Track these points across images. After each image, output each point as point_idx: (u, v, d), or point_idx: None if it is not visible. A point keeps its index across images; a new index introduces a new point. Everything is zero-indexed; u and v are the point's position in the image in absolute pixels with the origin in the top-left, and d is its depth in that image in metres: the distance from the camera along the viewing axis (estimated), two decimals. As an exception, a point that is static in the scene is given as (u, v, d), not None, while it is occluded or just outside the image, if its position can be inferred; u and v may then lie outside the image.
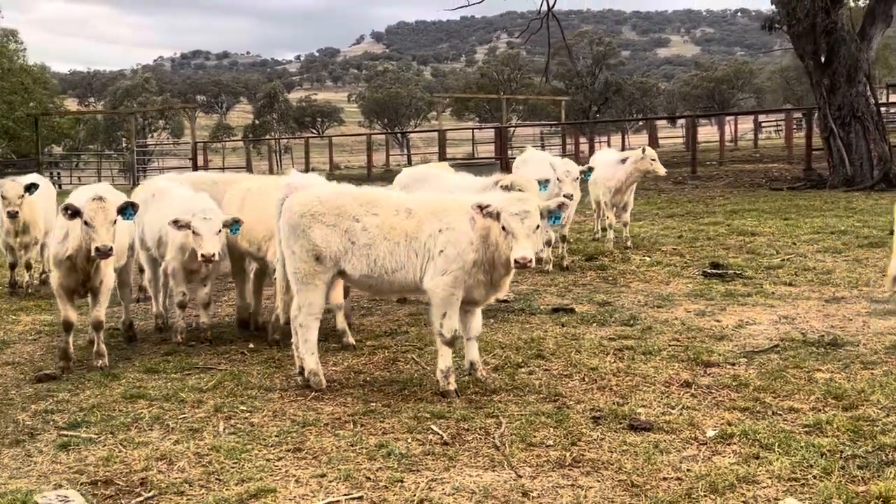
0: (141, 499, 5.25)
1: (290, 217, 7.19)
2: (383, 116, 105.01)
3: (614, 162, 13.54)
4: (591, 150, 40.11)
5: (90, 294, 8.33)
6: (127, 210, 7.92)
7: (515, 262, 6.42)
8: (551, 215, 6.77)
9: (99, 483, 5.53)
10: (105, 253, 7.59)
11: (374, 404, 6.85)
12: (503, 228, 6.56)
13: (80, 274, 8.11)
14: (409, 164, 48.55)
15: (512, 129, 40.87)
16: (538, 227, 6.60)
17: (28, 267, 12.75)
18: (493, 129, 61.14)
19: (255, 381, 7.62)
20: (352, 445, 5.97)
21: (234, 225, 8.75)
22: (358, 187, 7.55)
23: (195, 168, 38.28)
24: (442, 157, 41.81)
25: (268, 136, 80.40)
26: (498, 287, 7.05)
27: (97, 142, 72.49)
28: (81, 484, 5.53)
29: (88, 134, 52.33)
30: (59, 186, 40.42)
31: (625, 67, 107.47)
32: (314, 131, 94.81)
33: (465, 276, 6.86)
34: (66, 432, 6.48)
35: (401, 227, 6.98)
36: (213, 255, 8.47)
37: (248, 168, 42.09)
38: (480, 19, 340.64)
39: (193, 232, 8.50)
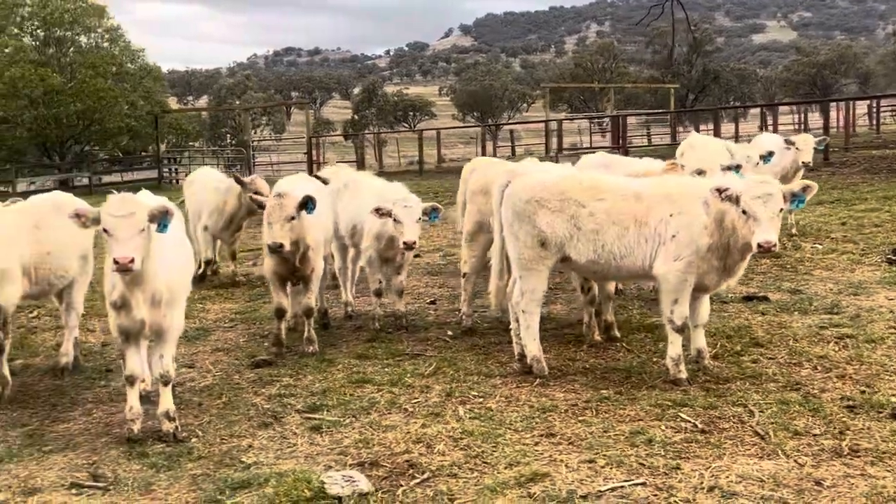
0: (417, 481, 5.31)
1: (515, 203, 7.18)
2: (477, 109, 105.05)
3: (781, 148, 13.18)
4: (675, 138, 39.32)
5: (301, 282, 8.50)
6: (308, 205, 8.01)
7: (759, 246, 6.28)
8: (795, 199, 6.59)
9: (366, 465, 5.63)
10: (274, 248, 7.81)
11: (604, 392, 6.80)
12: (743, 212, 6.43)
13: (290, 263, 8.28)
14: (513, 155, 48.24)
15: (621, 118, 40.12)
16: (781, 210, 6.45)
17: (233, 257, 13.04)
18: (583, 119, 60.53)
19: (473, 368, 7.65)
20: (605, 432, 5.94)
21: (432, 213, 8.80)
22: (581, 173, 7.51)
23: (310, 163, 38.81)
24: (548, 147, 41.59)
25: (366, 131, 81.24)
26: (731, 273, 6.91)
27: (202, 139, 74.26)
28: (349, 465, 5.63)
29: (193, 131, 53.60)
30: (177, 182, 41.69)
31: (720, 54, 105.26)
32: (405, 125, 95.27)
33: (698, 261, 6.75)
34: (308, 415, 6.62)
35: (629, 212, 6.91)
36: (415, 242, 8.54)
37: (360, 163, 42.50)
38: (570, 9, 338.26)
39: (395, 220, 8.58)
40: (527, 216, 7.10)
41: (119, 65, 42.81)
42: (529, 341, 7.29)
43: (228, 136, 77.49)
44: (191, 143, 52.92)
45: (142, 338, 6.34)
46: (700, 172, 8.46)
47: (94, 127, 42.20)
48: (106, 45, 44.72)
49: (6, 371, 7.48)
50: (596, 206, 6.96)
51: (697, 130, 36.65)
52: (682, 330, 6.92)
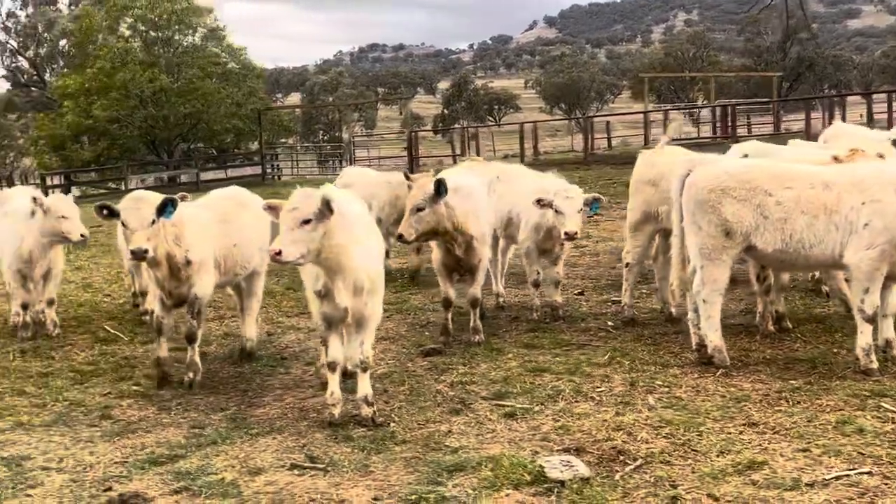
0: (631, 467, 5.36)
1: (697, 192, 7.16)
2: (565, 101, 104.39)
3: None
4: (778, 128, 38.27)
5: (467, 273, 8.63)
6: (440, 189, 7.87)
7: None
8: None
9: (572, 451, 5.69)
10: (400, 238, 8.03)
11: (793, 382, 6.74)
12: None
13: (456, 255, 8.41)
14: (610, 147, 47.77)
15: (730, 107, 39.39)
16: None
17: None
18: (668, 109, 59.40)
19: (647, 357, 7.68)
20: (809, 421, 5.90)
21: (594, 203, 8.82)
22: (765, 161, 7.45)
23: (410, 157, 39.17)
24: (647, 138, 41.07)
25: (456, 125, 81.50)
26: (926, 261, 6.77)
27: (295, 135, 75.47)
28: (555, 451, 5.71)
29: (294, 128, 54.68)
30: (279, 178, 42.57)
31: (814, 41, 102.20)
32: (491, 119, 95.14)
33: (892, 249, 6.63)
34: (498, 402, 6.74)
35: (818, 201, 6.82)
36: (577, 232, 8.57)
37: (455, 156, 42.66)
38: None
39: (556, 210, 8.62)
40: (710, 205, 7.07)
41: (223, 64, 43.88)
42: (711, 331, 7.27)
43: (321, 132, 78.84)
44: (282, 140, 53.79)
45: (342, 325, 6.55)
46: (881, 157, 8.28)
47: (201, 125, 43.39)
48: (209, 44, 45.88)
49: (198, 358, 7.81)
50: (783, 194, 6.89)
51: (806, 123, 35.67)
52: (872, 319, 6.81)
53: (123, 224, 7.12)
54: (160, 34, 43.79)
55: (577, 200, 8.63)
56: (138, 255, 6.99)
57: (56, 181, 40.54)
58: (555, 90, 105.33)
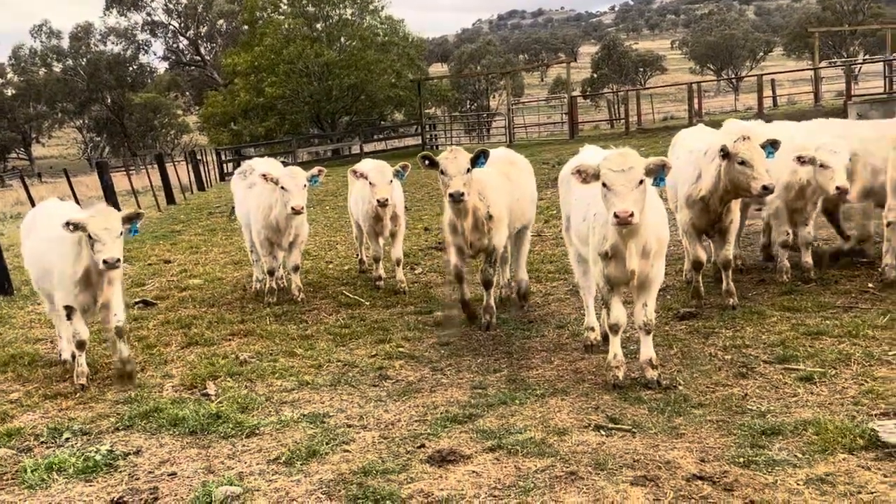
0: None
1: None
2: (716, 61, 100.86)
3: None
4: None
5: (718, 234, 8.37)
6: (767, 149, 7.78)
7: None
8: None
9: (891, 415, 5.42)
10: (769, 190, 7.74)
11: None
12: None
13: (712, 214, 8.17)
14: (775, 105, 45.75)
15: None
16: None
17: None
18: (838, 64, 56.11)
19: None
20: None
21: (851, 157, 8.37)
22: None
23: (571, 122, 38.72)
24: (817, 96, 39.10)
25: (605, 90, 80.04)
26: None
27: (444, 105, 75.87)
28: (877, 414, 5.44)
29: (452, 97, 54.99)
30: (437, 147, 42.90)
31: None
32: (639, 82, 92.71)
33: None
34: (786, 366, 6.51)
35: None
36: (845, 188, 8.15)
37: (624, 121, 41.82)
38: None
39: (821, 165, 8.24)
40: None
41: (384, 34, 44.47)
42: None
43: (468, 101, 78.89)
44: (426, 112, 54.06)
45: (624, 287, 6.46)
46: None
47: (363, 97, 44.18)
48: (368, 17, 46.56)
49: (493, 302, 8.54)
50: None
51: None
52: None
53: (442, 172, 7.69)
54: (321, 9, 44.70)
55: (842, 155, 8.22)
56: (456, 198, 7.59)
57: (227, 156, 42.20)
58: (705, 49, 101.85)
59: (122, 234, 6.84)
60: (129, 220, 7.04)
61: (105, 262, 6.65)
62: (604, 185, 5.96)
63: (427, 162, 7.89)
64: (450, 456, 5.34)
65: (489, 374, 7.03)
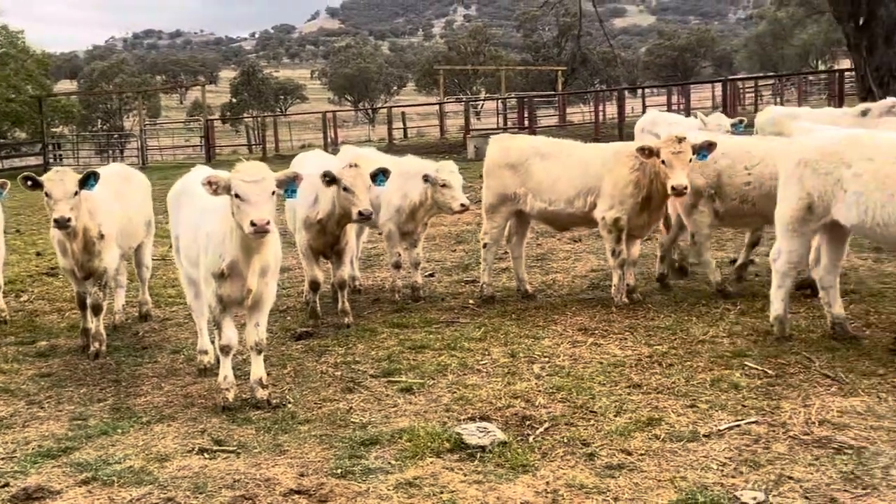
0: (540, 430, 5.62)
1: None
2: (353, 92, 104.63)
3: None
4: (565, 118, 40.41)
5: (335, 256, 8.63)
6: (378, 177, 8.17)
7: None
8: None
9: (477, 419, 5.89)
10: (366, 216, 7.96)
11: (659, 347, 7.27)
12: None
13: (329, 237, 8.42)
14: (406, 136, 48.35)
15: (528, 99, 40.92)
16: None
17: None
18: (463, 100, 61.06)
19: (518, 331, 8.00)
20: (687, 381, 6.35)
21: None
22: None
23: (207, 146, 37.98)
24: (442, 130, 42.00)
25: (245, 115, 79.65)
26: None
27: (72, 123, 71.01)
28: (462, 420, 5.89)
29: (79, 115, 51.49)
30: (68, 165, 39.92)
31: (589, 38, 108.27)
32: (278, 109, 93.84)
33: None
34: (389, 379, 6.83)
35: None
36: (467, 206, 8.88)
37: (259, 146, 41.76)
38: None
39: (443, 185, 8.85)
40: None
41: (-1, 46, 40.65)
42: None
43: (99, 121, 74.49)
44: (53, 130, 50.32)
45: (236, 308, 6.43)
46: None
47: (-27, 111, 39.96)
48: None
49: (102, 329, 8.14)
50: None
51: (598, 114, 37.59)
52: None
53: (47, 195, 7.33)
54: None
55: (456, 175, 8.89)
56: (62, 224, 7.24)
57: None
58: (343, 81, 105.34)
59: None
60: None
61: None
62: (236, 195, 5.88)
63: (30, 183, 7.47)
64: (36, 493, 4.96)
65: (92, 403, 6.63)
